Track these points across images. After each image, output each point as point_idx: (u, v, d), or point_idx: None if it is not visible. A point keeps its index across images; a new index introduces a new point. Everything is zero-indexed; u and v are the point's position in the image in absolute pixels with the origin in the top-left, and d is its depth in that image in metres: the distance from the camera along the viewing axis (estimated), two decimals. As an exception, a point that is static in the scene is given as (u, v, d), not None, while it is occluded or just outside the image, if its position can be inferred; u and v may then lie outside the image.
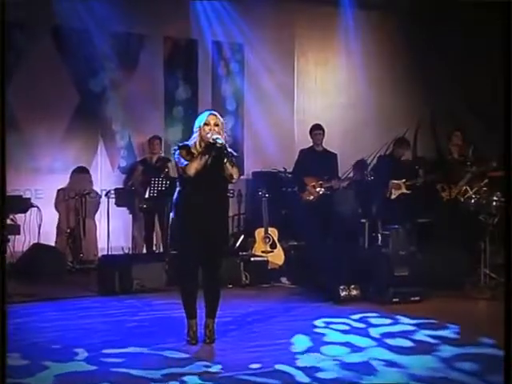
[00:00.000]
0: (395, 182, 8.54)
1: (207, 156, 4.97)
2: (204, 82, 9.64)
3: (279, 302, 6.83)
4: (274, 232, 8.32)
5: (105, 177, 9.18)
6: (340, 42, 10.19)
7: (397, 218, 7.83)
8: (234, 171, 4.99)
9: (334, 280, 6.87)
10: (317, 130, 8.58)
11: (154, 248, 8.81)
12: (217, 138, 4.93)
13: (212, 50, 9.66)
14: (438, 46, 10.16)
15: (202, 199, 5.04)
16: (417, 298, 6.81)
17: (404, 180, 8.53)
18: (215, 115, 5.11)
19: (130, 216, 9.00)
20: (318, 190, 8.40)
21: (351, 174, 9.48)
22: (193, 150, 5.06)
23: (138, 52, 9.23)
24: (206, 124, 5.04)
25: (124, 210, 9.08)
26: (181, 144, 5.20)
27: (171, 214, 5.22)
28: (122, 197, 8.87)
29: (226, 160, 4.92)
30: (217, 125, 5.05)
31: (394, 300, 6.73)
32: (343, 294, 6.78)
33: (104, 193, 8.91)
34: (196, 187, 5.03)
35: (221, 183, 5.13)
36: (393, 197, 8.54)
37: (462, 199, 7.88)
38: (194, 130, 5.12)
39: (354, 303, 6.64)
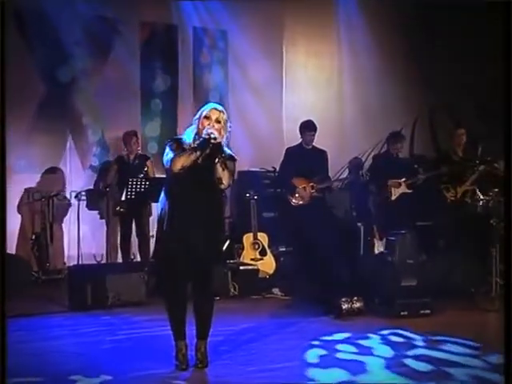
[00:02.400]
0: (394, 180, 8.11)
1: (199, 152, 4.49)
2: (184, 72, 9.27)
3: (273, 316, 6.44)
4: (263, 237, 8.00)
5: (74, 177, 8.75)
6: (333, 31, 9.99)
7: (399, 221, 7.50)
8: (225, 175, 4.51)
9: (334, 291, 6.52)
10: (310, 132, 7.98)
11: (132, 256, 8.41)
12: (211, 133, 4.47)
13: (193, 36, 9.30)
14: (437, 42, 10.06)
15: (190, 203, 4.57)
16: (427, 311, 6.40)
17: (404, 179, 8.12)
18: (219, 110, 4.65)
19: (104, 220, 8.56)
20: (309, 191, 7.91)
21: (345, 174, 9.22)
22: (185, 146, 4.60)
23: (111, 38, 8.79)
24: (206, 117, 4.61)
25: (96, 213, 8.65)
26: (176, 137, 4.79)
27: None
28: (95, 199, 8.47)
29: (217, 160, 4.45)
30: (218, 121, 4.61)
31: (402, 313, 6.33)
32: (345, 306, 6.32)
33: (74, 194, 8.45)
34: (183, 187, 4.57)
35: (213, 186, 4.60)
36: (393, 197, 8.12)
37: (469, 201, 7.57)
38: (193, 122, 4.69)
39: (357, 317, 6.22)
